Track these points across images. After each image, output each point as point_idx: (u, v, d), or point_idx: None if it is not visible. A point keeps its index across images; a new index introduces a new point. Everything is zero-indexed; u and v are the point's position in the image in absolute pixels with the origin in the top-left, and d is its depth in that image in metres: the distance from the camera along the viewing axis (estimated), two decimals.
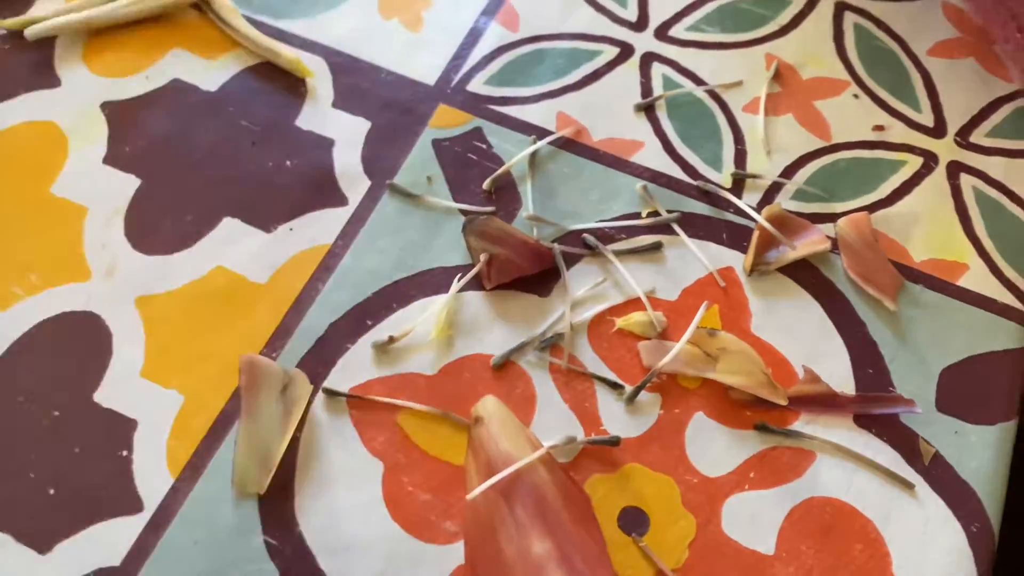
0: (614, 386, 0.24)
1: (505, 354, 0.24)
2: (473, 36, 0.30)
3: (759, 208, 0.27)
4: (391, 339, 0.24)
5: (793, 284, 0.26)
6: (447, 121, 0.28)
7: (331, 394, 0.24)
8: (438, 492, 0.23)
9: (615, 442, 0.23)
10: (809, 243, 0.26)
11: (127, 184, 0.27)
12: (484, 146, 0.28)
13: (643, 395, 0.24)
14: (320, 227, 0.26)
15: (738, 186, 0.28)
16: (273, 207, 0.26)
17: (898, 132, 0.29)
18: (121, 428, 0.23)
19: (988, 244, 0.27)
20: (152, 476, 0.23)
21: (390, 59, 0.30)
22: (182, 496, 0.22)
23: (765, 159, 0.28)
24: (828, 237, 0.27)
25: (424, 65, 0.30)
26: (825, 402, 0.24)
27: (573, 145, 0.28)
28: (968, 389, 0.25)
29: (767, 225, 0.26)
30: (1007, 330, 0.26)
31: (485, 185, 0.27)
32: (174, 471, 0.23)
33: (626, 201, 0.27)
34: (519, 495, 0.22)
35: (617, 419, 0.24)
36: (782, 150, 0.28)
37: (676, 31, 0.31)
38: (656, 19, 0.31)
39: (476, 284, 0.26)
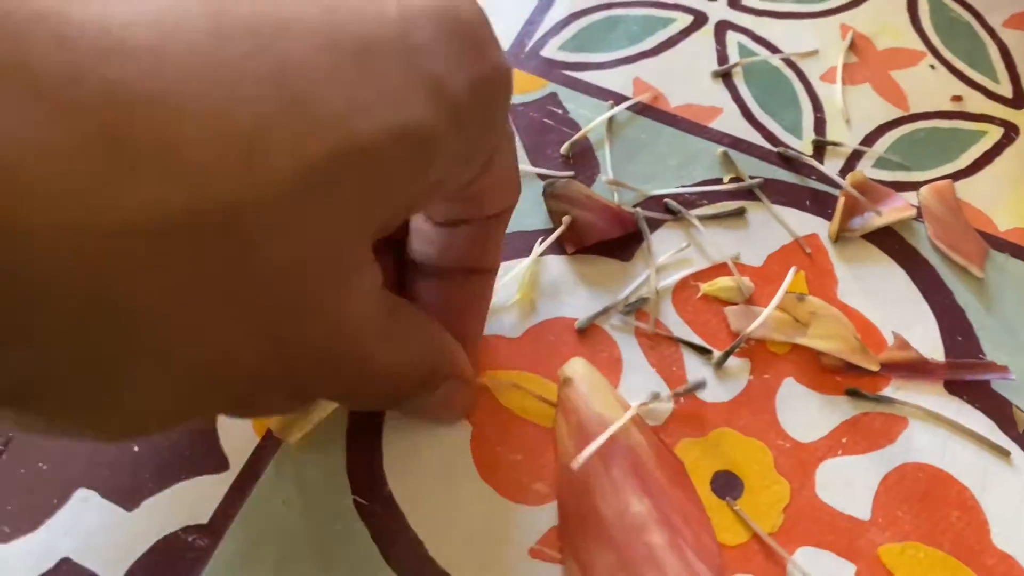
0: (702, 351, 0.24)
1: (589, 317, 0.24)
2: (546, 2, 0.30)
3: (842, 175, 0.27)
4: None
5: (878, 251, 0.26)
6: (522, 86, 0.28)
7: None
8: (528, 453, 0.22)
9: (701, 385, 0.23)
10: (894, 210, 0.26)
11: None
12: (560, 111, 0.28)
13: (732, 360, 0.24)
14: None
15: (819, 153, 0.27)
16: None
17: (976, 103, 0.29)
18: None
19: None
20: (237, 435, 0.22)
21: None
22: (268, 455, 0.22)
23: (844, 127, 0.28)
24: (912, 205, 0.26)
25: (498, 31, 0.29)
26: (916, 368, 0.24)
27: (650, 111, 0.28)
28: None
29: (852, 191, 0.26)
30: None
31: (563, 149, 0.27)
32: (259, 431, 0.22)
33: (706, 167, 0.27)
34: (614, 456, 0.21)
35: (707, 385, 0.23)
36: (861, 119, 0.28)
37: (749, 1, 0.30)
38: None
39: (557, 248, 0.25)
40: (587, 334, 0.24)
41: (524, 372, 0.23)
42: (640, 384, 0.23)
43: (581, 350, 0.24)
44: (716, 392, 0.23)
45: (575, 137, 0.27)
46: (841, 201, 0.26)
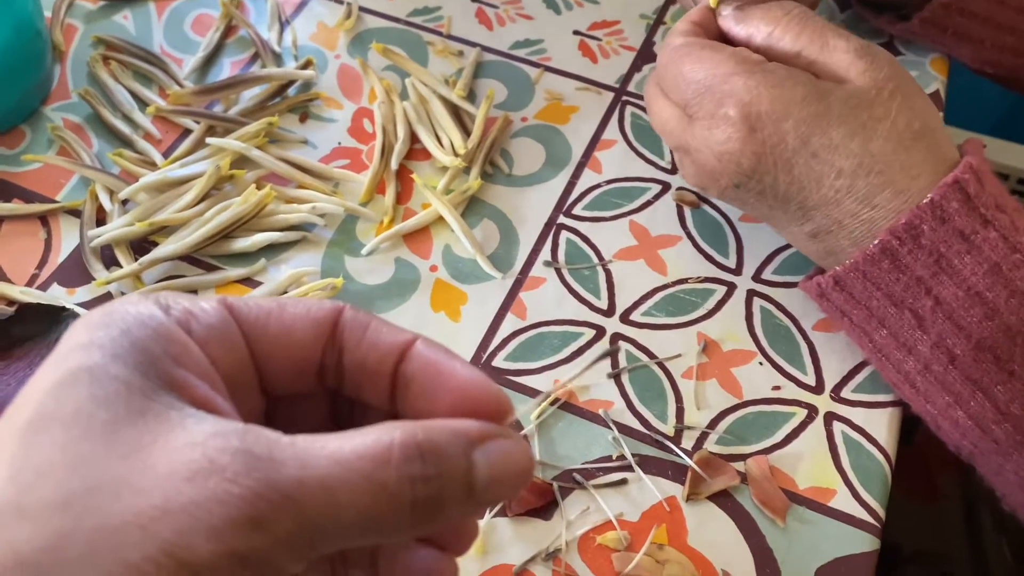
0: None
1: (522, 565, 0.36)
2: (496, 324, 0.44)
3: (693, 451, 0.40)
4: None
5: (716, 508, 0.38)
6: None
7: None
8: None
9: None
10: (726, 478, 0.39)
11: None
12: None
13: None
14: None
15: (678, 435, 0.40)
16: None
17: (790, 391, 0.42)
18: None
19: (851, 474, 0.40)
20: None
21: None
22: None
23: (697, 413, 0.41)
24: (739, 472, 0.39)
25: (463, 346, 0.43)
26: None
27: (566, 405, 0.41)
28: None
29: (696, 468, 0.39)
30: (862, 538, 0.38)
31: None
32: None
33: (603, 447, 0.40)
34: None
35: None
36: (708, 406, 0.41)
37: (635, 316, 0.44)
38: (620, 307, 0.44)
39: (502, 511, 0.38)
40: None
41: None
42: None
43: None
44: None
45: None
46: (690, 473, 0.39)
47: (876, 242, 0.36)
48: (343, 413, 0.24)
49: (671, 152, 0.49)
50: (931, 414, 0.38)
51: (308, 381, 0.23)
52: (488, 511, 0.38)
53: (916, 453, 0.61)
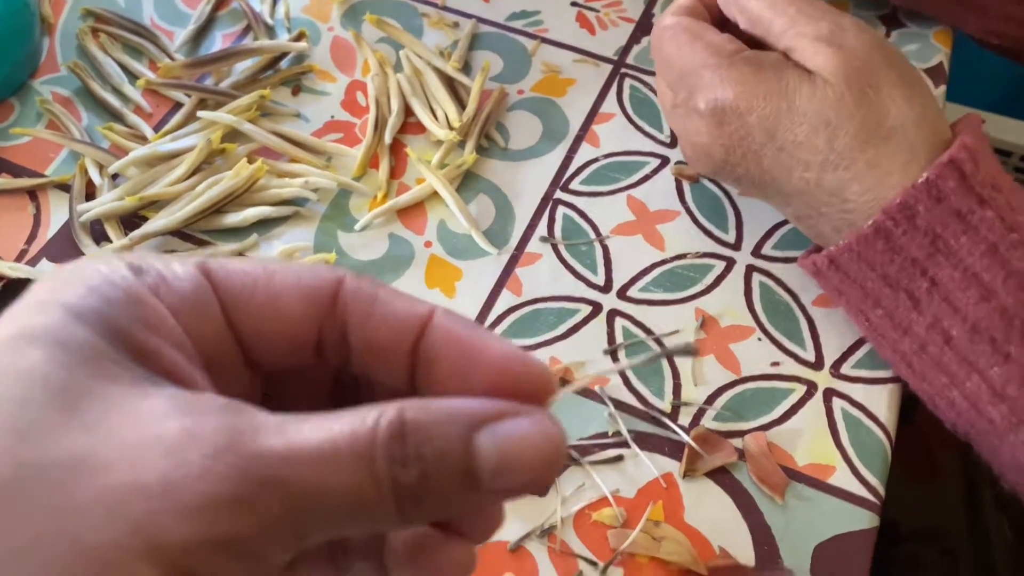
0: (591, 563, 0.36)
1: (517, 541, 0.36)
2: (491, 300, 0.43)
3: (691, 428, 0.39)
4: None
5: (714, 485, 0.38)
6: None
7: None
8: None
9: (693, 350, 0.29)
10: (724, 455, 0.38)
11: None
12: None
13: (612, 568, 0.36)
14: None
15: (675, 411, 0.40)
16: None
17: (789, 367, 0.41)
18: None
19: (850, 451, 0.39)
20: None
21: None
22: None
23: (694, 389, 0.41)
24: (737, 449, 0.39)
25: None
26: (733, 572, 0.36)
27: (562, 381, 0.41)
28: (833, 559, 0.36)
29: (693, 444, 0.38)
30: (861, 515, 0.37)
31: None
32: None
33: (598, 423, 0.39)
34: None
35: None
36: (706, 382, 0.41)
37: (632, 292, 0.44)
38: (617, 283, 0.44)
39: None
40: (517, 553, 0.36)
41: None
42: None
43: (513, 565, 0.36)
44: None
45: None
46: (687, 449, 0.38)
47: (870, 222, 0.35)
48: (349, 388, 0.22)
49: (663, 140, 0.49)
50: (927, 393, 0.38)
51: (304, 357, 0.20)
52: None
53: (916, 432, 0.61)
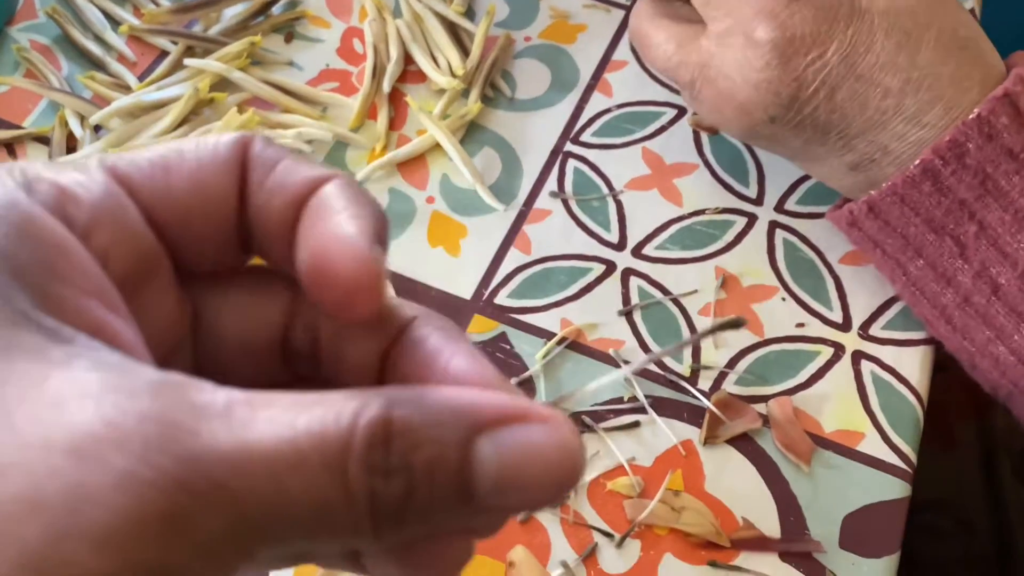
0: (607, 535, 0.34)
1: (527, 512, 0.34)
2: (498, 259, 0.41)
3: (711, 392, 0.37)
4: None
5: (736, 453, 0.36)
6: (481, 328, 0.38)
7: None
8: None
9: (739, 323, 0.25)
10: (746, 420, 0.36)
11: None
12: (508, 347, 0.38)
13: (628, 540, 0.33)
14: None
15: (695, 375, 0.37)
16: None
17: (815, 328, 0.39)
18: None
19: (880, 416, 0.37)
20: None
21: (437, 279, 0.40)
22: None
23: (715, 352, 0.38)
24: (760, 415, 0.36)
25: (462, 283, 0.40)
26: (758, 544, 0.33)
27: (574, 345, 0.38)
28: (863, 530, 0.34)
29: (714, 409, 0.36)
30: (892, 484, 0.35)
31: (512, 382, 0.37)
32: None
33: (613, 388, 0.37)
34: None
35: (610, 559, 0.33)
36: (727, 345, 0.38)
37: (648, 250, 0.41)
38: (632, 240, 0.41)
39: None
40: (527, 524, 0.34)
41: (479, 555, 0.33)
42: (561, 562, 0.33)
43: (522, 536, 0.33)
44: (615, 564, 0.33)
45: (522, 377, 0.37)
46: (707, 415, 0.36)
47: (916, 162, 0.33)
48: (305, 342, 0.18)
49: (678, 90, 0.43)
50: (968, 352, 0.35)
51: (232, 252, 0.17)
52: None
53: (933, 401, 0.59)
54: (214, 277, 0.18)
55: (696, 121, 0.44)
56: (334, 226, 0.15)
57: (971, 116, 0.32)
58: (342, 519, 0.13)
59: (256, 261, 0.18)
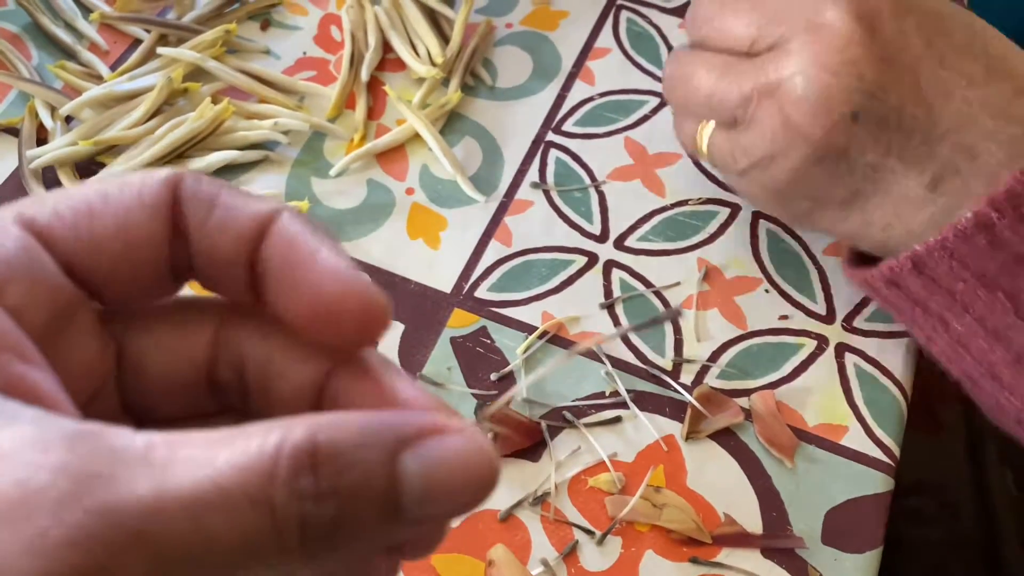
0: (588, 532, 0.33)
1: (507, 510, 0.33)
2: (478, 251, 0.40)
3: (693, 386, 0.37)
4: None
5: (719, 447, 0.35)
6: (460, 322, 0.38)
7: None
8: None
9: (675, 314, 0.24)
10: (729, 415, 0.36)
11: None
12: (488, 341, 0.37)
13: (609, 537, 0.33)
14: None
15: (677, 369, 0.37)
16: None
17: (799, 321, 0.39)
18: None
19: (864, 410, 0.37)
20: None
21: (416, 272, 0.39)
22: None
23: (697, 346, 0.38)
24: (743, 409, 0.36)
25: (442, 276, 0.39)
26: (739, 540, 0.33)
27: (555, 338, 0.38)
28: (845, 525, 0.34)
29: (696, 404, 0.35)
30: (875, 478, 0.35)
31: (492, 377, 0.36)
32: None
33: (594, 383, 0.37)
34: None
35: (591, 557, 0.33)
36: (710, 338, 0.38)
37: (630, 241, 0.40)
38: (614, 232, 0.41)
39: None
40: (507, 522, 0.33)
41: (459, 555, 0.33)
42: (543, 560, 0.33)
43: (503, 535, 0.33)
44: (596, 562, 0.33)
45: (504, 371, 0.37)
46: (689, 410, 0.36)
47: (969, 215, 0.30)
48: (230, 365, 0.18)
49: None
50: (1014, 408, 0.33)
51: (164, 284, 0.17)
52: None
53: (918, 386, 0.59)
54: (138, 313, 0.18)
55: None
56: (324, 265, 0.16)
57: None
58: (270, 547, 0.13)
59: (191, 286, 0.17)
